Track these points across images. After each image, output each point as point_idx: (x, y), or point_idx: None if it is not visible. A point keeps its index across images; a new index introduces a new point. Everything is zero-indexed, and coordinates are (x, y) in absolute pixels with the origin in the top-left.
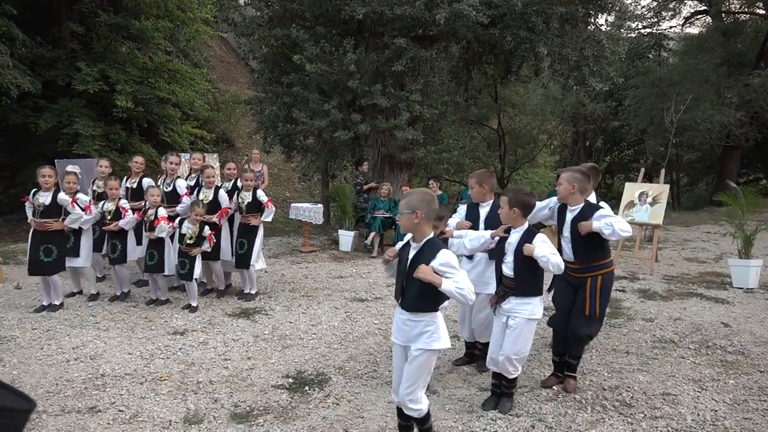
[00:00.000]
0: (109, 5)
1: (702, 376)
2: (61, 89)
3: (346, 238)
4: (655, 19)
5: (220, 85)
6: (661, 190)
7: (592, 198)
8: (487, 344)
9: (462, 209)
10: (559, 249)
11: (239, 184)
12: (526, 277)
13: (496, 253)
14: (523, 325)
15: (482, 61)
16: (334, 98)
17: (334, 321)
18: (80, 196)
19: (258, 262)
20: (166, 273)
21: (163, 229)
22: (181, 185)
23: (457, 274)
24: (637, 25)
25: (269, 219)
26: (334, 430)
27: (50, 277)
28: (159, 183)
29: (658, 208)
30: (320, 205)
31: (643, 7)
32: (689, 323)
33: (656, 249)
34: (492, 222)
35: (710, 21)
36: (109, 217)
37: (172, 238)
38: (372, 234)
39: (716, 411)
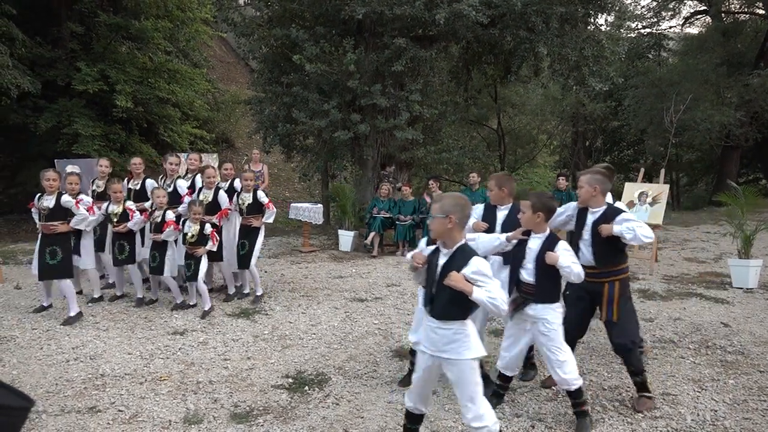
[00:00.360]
0: (108, 5)
1: (702, 376)
2: (61, 89)
3: (346, 238)
4: (655, 19)
5: (220, 85)
6: (660, 190)
7: (608, 198)
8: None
9: (478, 209)
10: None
11: (236, 184)
12: (546, 285)
13: (513, 258)
14: (557, 330)
15: (482, 61)
16: (333, 98)
17: (333, 321)
18: (83, 197)
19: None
20: (166, 275)
21: (170, 234)
22: (182, 185)
23: (490, 282)
24: (637, 25)
25: (270, 220)
26: (333, 430)
27: (61, 284)
28: (160, 184)
29: (658, 208)
30: (320, 205)
31: (643, 7)
32: (689, 323)
33: (656, 249)
34: (509, 226)
35: (710, 21)
36: (115, 220)
37: (175, 240)
38: (372, 234)
39: (716, 411)
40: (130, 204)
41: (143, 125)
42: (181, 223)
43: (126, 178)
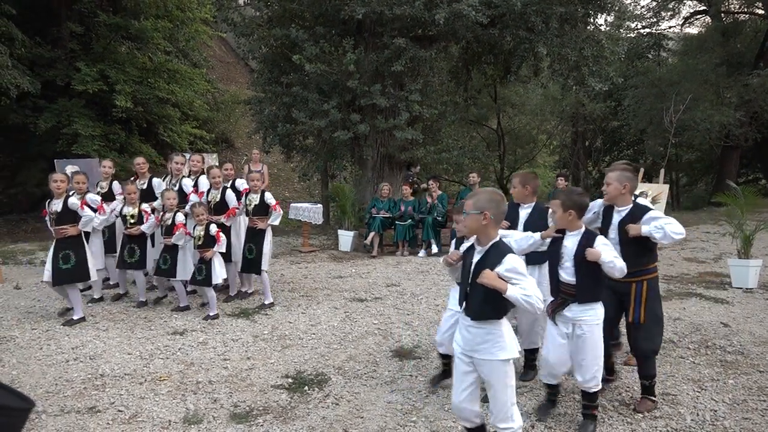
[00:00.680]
0: (108, 5)
1: (701, 376)
2: (61, 89)
3: (346, 238)
4: (655, 19)
5: (220, 85)
6: (660, 190)
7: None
8: (528, 351)
9: None
10: None
11: (237, 184)
12: (588, 283)
13: (550, 259)
14: (593, 330)
15: (482, 61)
16: (333, 98)
17: (333, 321)
18: (90, 196)
19: (264, 263)
20: (177, 278)
21: (180, 236)
22: (188, 184)
23: (525, 280)
24: (637, 25)
25: (276, 222)
26: (333, 430)
27: (69, 289)
28: (166, 183)
29: (658, 208)
30: (320, 205)
31: (643, 7)
32: (689, 323)
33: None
34: (532, 225)
35: (710, 21)
36: (131, 221)
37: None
38: (371, 234)
39: (716, 411)
40: (145, 206)
41: (143, 125)
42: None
43: (133, 179)
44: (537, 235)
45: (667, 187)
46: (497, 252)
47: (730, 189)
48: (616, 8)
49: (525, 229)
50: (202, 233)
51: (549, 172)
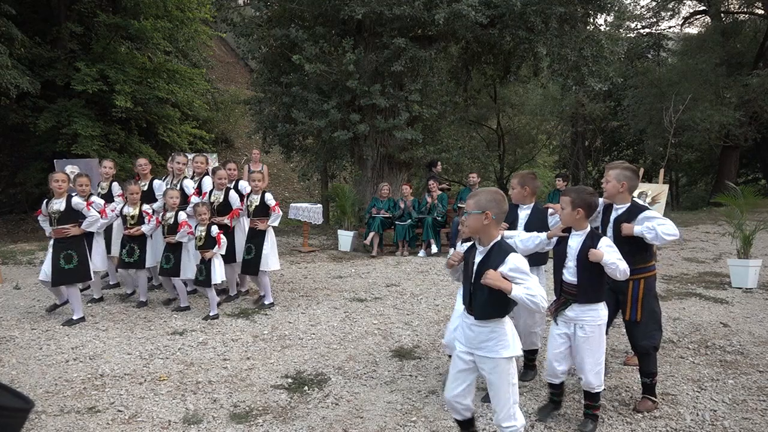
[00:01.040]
0: (108, 5)
1: (701, 376)
2: (60, 89)
3: (346, 238)
4: (654, 19)
5: (219, 85)
6: (660, 190)
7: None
8: (527, 352)
9: None
10: None
11: (240, 185)
12: (589, 284)
13: (555, 258)
14: (595, 331)
15: (481, 61)
16: (333, 98)
17: (333, 321)
18: (95, 199)
19: (269, 263)
20: (180, 277)
21: (183, 234)
22: (189, 186)
23: (528, 279)
24: (636, 25)
25: (276, 224)
26: (333, 430)
27: (69, 289)
28: (167, 183)
29: (657, 208)
30: (319, 205)
31: (642, 7)
32: (688, 323)
33: (655, 249)
34: (531, 226)
35: (709, 21)
36: (132, 222)
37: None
38: (371, 234)
39: (715, 411)
40: (146, 207)
41: (142, 125)
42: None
43: (134, 180)
44: (543, 235)
45: (666, 187)
46: (500, 251)
47: (730, 189)
48: (616, 8)
49: (525, 230)
50: (204, 234)
51: (549, 172)
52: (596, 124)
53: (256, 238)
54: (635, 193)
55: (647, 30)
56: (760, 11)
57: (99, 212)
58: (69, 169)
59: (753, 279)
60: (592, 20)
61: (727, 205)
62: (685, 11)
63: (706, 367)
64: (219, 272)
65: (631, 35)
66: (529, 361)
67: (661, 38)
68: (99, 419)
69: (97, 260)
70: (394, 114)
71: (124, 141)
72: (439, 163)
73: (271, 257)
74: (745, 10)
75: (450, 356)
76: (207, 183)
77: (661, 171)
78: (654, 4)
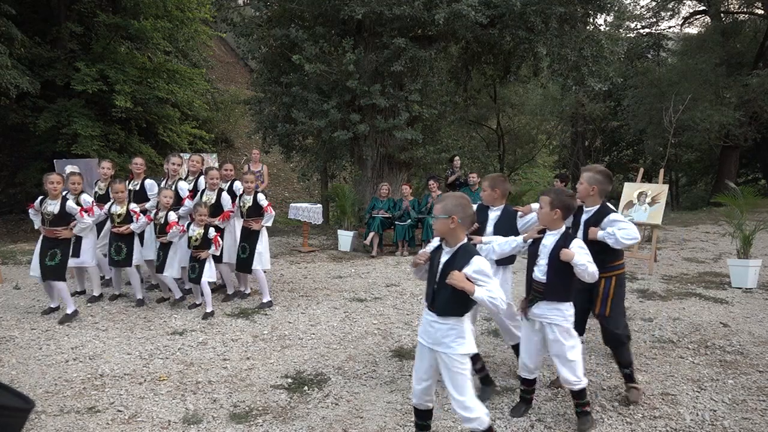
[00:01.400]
0: (107, 5)
1: (701, 376)
2: (60, 89)
3: (345, 238)
4: (654, 19)
5: (219, 85)
6: (660, 190)
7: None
8: (515, 346)
9: None
10: None
11: (236, 185)
12: (558, 283)
13: (528, 257)
14: (565, 332)
15: (481, 61)
16: (333, 98)
17: (333, 321)
18: (84, 196)
19: (263, 261)
20: (166, 275)
21: (175, 234)
22: (183, 187)
23: (490, 282)
24: (636, 25)
25: (269, 224)
26: (333, 430)
27: (56, 284)
28: (160, 184)
29: (657, 208)
30: (319, 205)
31: (642, 7)
32: (688, 323)
33: (655, 249)
34: (501, 227)
35: (709, 21)
36: (118, 221)
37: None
38: (371, 234)
39: (715, 411)
40: (134, 206)
41: (142, 125)
42: (186, 225)
43: (127, 179)
44: (519, 239)
45: (666, 187)
46: (465, 253)
47: (730, 189)
48: (616, 8)
49: (495, 231)
50: (201, 235)
51: (549, 172)
52: (596, 124)
53: (250, 237)
54: (635, 194)
55: (647, 30)
56: (760, 11)
57: (87, 210)
58: (69, 169)
59: (753, 279)
60: (592, 20)
61: (726, 205)
62: (684, 11)
63: (705, 367)
64: (209, 272)
65: (631, 35)
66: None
67: (660, 38)
68: (99, 419)
69: (87, 257)
70: (394, 114)
71: (124, 141)
72: (457, 157)
73: (264, 255)
74: (745, 10)
75: None
76: (202, 183)
77: (661, 171)
78: (654, 4)
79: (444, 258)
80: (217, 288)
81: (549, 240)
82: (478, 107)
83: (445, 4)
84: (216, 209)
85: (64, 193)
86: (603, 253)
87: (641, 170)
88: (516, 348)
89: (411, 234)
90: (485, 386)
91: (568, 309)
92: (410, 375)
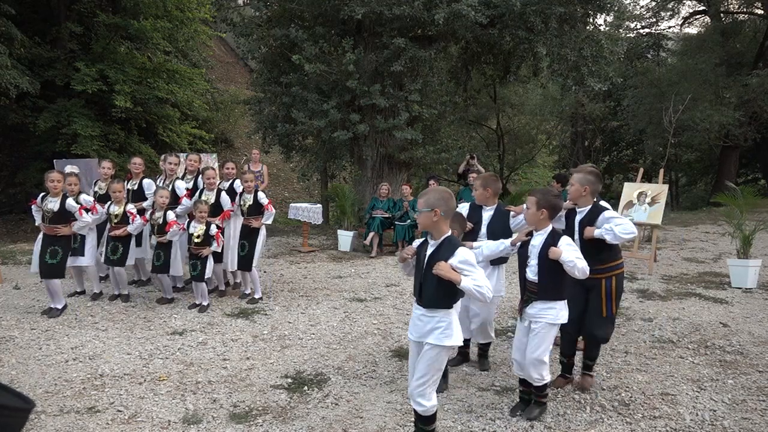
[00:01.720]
0: (107, 5)
1: (701, 376)
2: (60, 89)
3: (345, 238)
4: (654, 19)
5: (219, 85)
6: (659, 190)
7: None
8: (484, 344)
9: (463, 209)
10: None
11: (237, 184)
12: (550, 282)
13: (519, 258)
14: (545, 329)
15: (481, 61)
16: (332, 98)
17: (333, 321)
18: (83, 196)
19: (256, 260)
20: (171, 274)
21: (174, 233)
22: (180, 186)
23: (476, 271)
24: (636, 25)
25: (269, 222)
26: (333, 430)
27: (50, 282)
28: (158, 184)
29: (657, 208)
30: (319, 205)
31: (642, 7)
32: (688, 323)
33: (655, 249)
34: (494, 226)
35: (709, 21)
36: (116, 221)
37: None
38: (371, 234)
39: (715, 411)
40: (131, 207)
41: (142, 125)
42: (186, 223)
43: (126, 179)
44: (507, 242)
45: (666, 187)
46: (450, 245)
47: (730, 189)
48: (616, 8)
49: (488, 230)
50: (202, 232)
51: (548, 172)
52: (596, 124)
53: (250, 235)
54: (635, 194)
55: (647, 30)
56: (760, 11)
57: (88, 210)
58: (68, 169)
59: (753, 279)
60: (591, 20)
61: (726, 205)
62: (684, 11)
63: (705, 367)
64: (210, 269)
65: (631, 35)
66: (484, 352)
67: (660, 38)
68: (99, 419)
69: (89, 257)
70: (394, 114)
71: (123, 141)
72: (470, 155)
73: (258, 253)
74: (745, 10)
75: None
76: (201, 182)
77: (661, 171)
78: (654, 4)
79: (429, 251)
80: (214, 289)
81: (537, 240)
82: (478, 107)
83: (444, 4)
84: (215, 209)
85: (65, 192)
86: (601, 252)
87: (641, 170)
88: (483, 346)
89: (411, 234)
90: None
91: (561, 309)
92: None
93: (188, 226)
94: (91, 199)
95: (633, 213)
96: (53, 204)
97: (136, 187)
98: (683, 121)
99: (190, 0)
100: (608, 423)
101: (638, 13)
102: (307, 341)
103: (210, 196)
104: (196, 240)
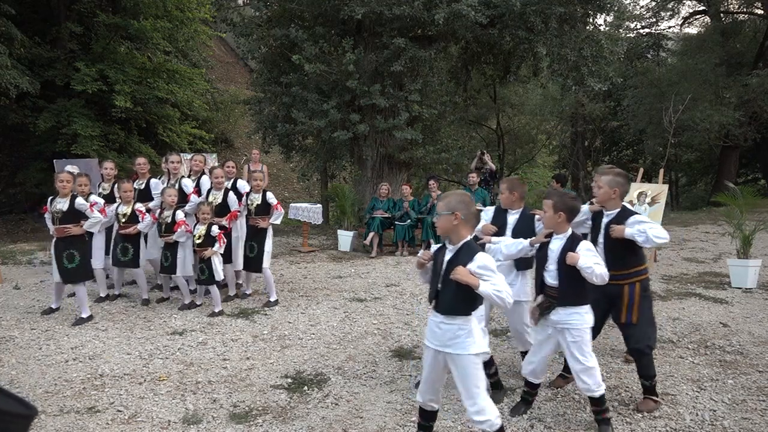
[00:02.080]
0: (107, 5)
1: (701, 376)
2: (60, 89)
3: (345, 238)
4: (654, 19)
5: (219, 85)
6: (659, 190)
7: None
8: (524, 353)
9: (488, 213)
10: None
11: (239, 184)
12: (571, 287)
13: (537, 261)
14: (581, 334)
15: (481, 61)
16: (332, 98)
17: (333, 321)
18: (95, 198)
19: (265, 260)
20: (177, 274)
21: (181, 234)
22: (187, 184)
23: (495, 276)
24: (636, 25)
25: (278, 221)
26: (333, 430)
27: (78, 288)
28: (164, 183)
29: (657, 208)
30: (319, 205)
31: (642, 7)
32: (688, 323)
33: (655, 249)
34: (520, 230)
35: (709, 21)
36: (123, 220)
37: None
38: (371, 234)
39: (715, 411)
40: (139, 206)
41: (142, 125)
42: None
43: (132, 179)
44: (526, 242)
45: (666, 187)
46: (469, 250)
47: (730, 189)
48: (616, 8)
49: (513, 234)
50: (203, 233)
51: (548, 172)
52: (596, 124)
53: (258, 236)
54: (635, 194)
55: (647, 30)
56: (760, 11)
57: (100, 211)
58: (69, 169)
59: (752, 279)
60: (591, 20)
61: (726, 205)
62: (684, 11)
63: (705, 367)
64: (219, 269)
65: (631, 35)
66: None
67: (660, 38)
68: (99, 419)
69: (96, 259)
70: (394, 114)
71: (123, 141)
72: (481, 152)
73: (267, 254)
74: (745, 10)
75: None
76: (205, 182)
77: (661, 171)
78: (654, 4)
79: (448, 256)
80: (221, 287)
81: (556, 244)
82: (477, 107)
83: (444, 4)
84: (222, 209)
85: (74, 193)
86: (625, 255)
87: (641, 170)
88: (523, 354)
89: (411, 234)
90: (495, 390)
91: (587, 313)
92: (410, 375)
93: (193, 229)
94: (102, 201)
95: None
96: (62, 204)
97: (143, 187)
98: (683, 121)
99: (190, 0)
100: None
101: (638, 13)
102: (307, 341)
103: (218, 196)
104: (197, 241)
